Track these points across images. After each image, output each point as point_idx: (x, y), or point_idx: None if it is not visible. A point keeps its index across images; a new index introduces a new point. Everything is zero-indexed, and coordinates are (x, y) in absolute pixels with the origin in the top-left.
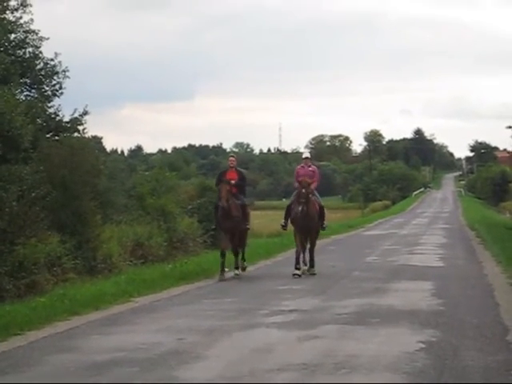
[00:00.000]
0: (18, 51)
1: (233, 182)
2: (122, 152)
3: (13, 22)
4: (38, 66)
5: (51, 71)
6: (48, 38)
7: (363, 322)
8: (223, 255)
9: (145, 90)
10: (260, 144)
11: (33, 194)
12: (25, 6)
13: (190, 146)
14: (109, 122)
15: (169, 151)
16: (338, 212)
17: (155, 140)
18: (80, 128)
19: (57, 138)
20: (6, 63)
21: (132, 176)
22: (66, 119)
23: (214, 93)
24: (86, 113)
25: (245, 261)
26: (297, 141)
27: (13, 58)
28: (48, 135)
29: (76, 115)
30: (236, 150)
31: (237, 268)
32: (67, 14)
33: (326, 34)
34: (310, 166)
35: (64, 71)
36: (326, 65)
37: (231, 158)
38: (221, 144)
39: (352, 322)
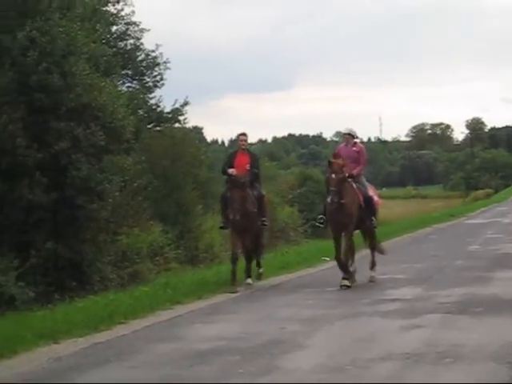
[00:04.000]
0: (120, 43)
1: (244, 176)
2: (223, 142)
3: (114, 15)
4: (139, 58)
5: (152, 63)
6: (149, 30)
7: (466, 312)
8: (234, 261)
9: (244, 81)
10: (360, 133)
11: (135, 185)
12: None
13: (290, 136)
14: (209, 113)
15: (269, 141)
16: (440, 201)
17: (255, 130)
18: (181, 118)
19: (158, 128)
20: (108, 55)
21: None
22: (167, 110)
23: (314, 82)
24: (186, 103)
25: (260, 267)
26: (397, 129)
27: (114, 49)
28: (149, 126)
29: (177, 106)
30: (336, 139)
31: (249, 276)
32: (166, 6)
33: (427, 21)
34: (354, 145)
35: (165, 62)
36: (427, 52)
37: (242, 137)
38: (321, 133)
39: (455, 312)
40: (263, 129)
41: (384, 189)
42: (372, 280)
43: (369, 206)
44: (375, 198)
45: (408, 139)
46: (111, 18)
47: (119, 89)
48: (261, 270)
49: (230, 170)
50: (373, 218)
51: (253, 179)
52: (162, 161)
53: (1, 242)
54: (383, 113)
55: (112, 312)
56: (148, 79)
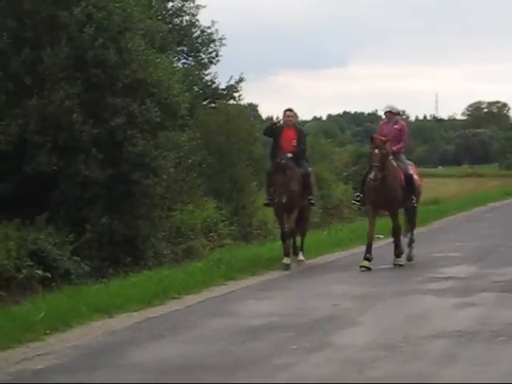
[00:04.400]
0: (175, 19)
1: (289, 155)
2: (278, 119)
3: None
4: (195, 34)
5: (208, 39)
6: (205, 6)
7: None
8: (285, 239)
9: (300, 57)
10: (415, 111)
11: (189, 161)
12: None
13: (345, 113)
14: (264, 89)
15: (323, 118)
16: (495, 179)
17: (310, 107)
18: (236, 95)
19: (213, 105)
20: (164, 31)
21: None
22: (222, 86)
23: (370, 59)
24: (241, 80)
25: (302, 252)
26: (453, 108)
27: (170, 26)
28: (204, 102)
29: (232, 82)
30: None
31: (297, 253)
32: None
33: None
34: (396, 123)
35: (220, 39)
36: (485, 29)
37: (288, 113)
38: (376, 111)
39: (509, 290)
40: (318, 106)
41: (440, 167)
42: (397, 263)
43: (409, 185)
44: (415, 176)
45: (464, 118)
46: None
47: (175, 65)
48: (301, 257)
49: (275, 120)
50: (413, 197)
51: (299, 156)
52: (217, 137)
53: (57, 217)
54: (439, 91)
55: (166, 287)
56: (203, 56)
